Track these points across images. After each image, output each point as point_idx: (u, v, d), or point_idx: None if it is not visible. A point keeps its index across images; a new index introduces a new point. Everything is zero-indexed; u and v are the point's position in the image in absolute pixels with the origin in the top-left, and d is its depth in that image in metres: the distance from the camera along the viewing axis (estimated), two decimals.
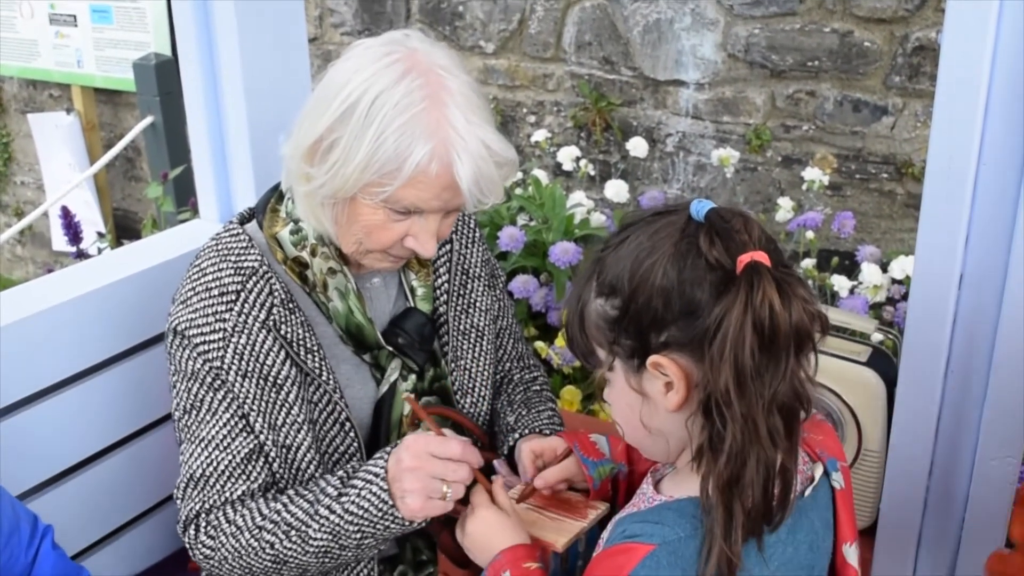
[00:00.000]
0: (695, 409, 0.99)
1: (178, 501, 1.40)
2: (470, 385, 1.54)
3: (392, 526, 1.30)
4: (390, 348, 1.45)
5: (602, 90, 3.50)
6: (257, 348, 1.36)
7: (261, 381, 1.36)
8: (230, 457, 1.36)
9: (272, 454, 1.37)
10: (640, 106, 3.45)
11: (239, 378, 1.35)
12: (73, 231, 2.94)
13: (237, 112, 1.75)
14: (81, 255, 2.92)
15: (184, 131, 2.12)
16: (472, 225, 1.61)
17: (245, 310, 1.36)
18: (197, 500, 1.37)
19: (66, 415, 1.59)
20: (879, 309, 2.38)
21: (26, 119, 4.76)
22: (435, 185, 1.27)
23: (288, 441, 1.37)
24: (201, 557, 1.38)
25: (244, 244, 1.41)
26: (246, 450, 1.36)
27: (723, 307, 0.94)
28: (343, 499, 1.30)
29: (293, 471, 1.38)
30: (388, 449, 1.32)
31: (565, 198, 2.74)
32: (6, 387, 1.50)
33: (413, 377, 1.47)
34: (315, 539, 1.31)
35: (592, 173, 3.14)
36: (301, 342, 1.38)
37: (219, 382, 1.36)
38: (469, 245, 1.58)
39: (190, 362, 1.37)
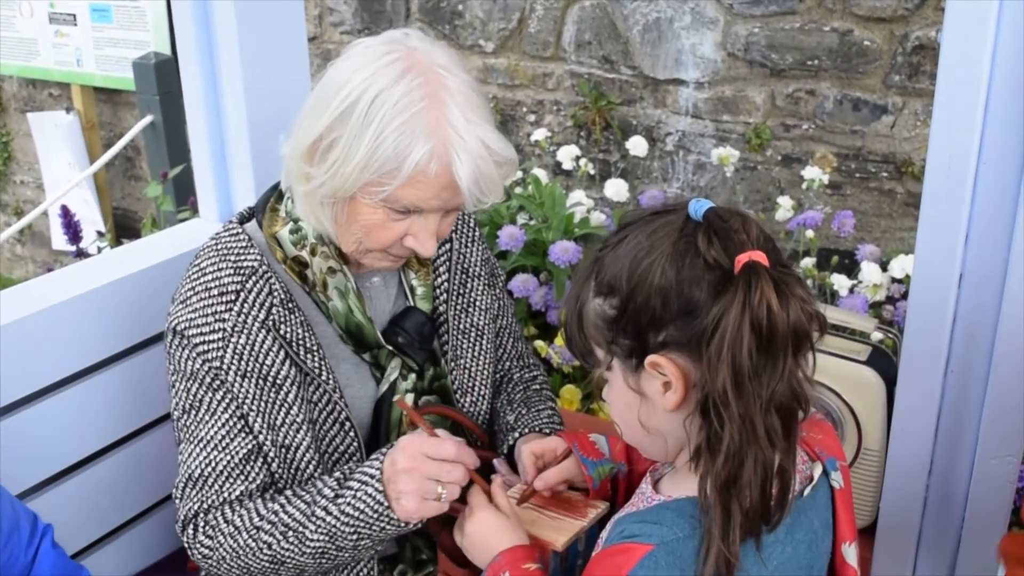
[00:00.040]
0: (693, 409, 0.99)
1: (177, 501, 1.40)
2: (470, 384, 1.54)
3: (388, 527, 1.30)
4: (390, 347, 1.45)
5: (602, 89, 3.50)
6: (256, 348, 1.36)
7: (260, 381, 1.36)
8: (228, 457, 1.36)
9: (271, 454, 1.37)
10: (640, 105, 3.45)
11: (238, 378, 1.35)
12: (73, 230, 2.93)
13: (237, 111, 1.75)
14: (81, 254, 2.91)
15: (184, 130, 2.12)
16: (472, 224, 1.61)
17: (244, 310, 1.36)
18: (195, 500, 1.37)
19: (66, 414, 1.59)
20: (879, 308, 2.37)
21: (26, 118, 4.77)
22: (434, 184, 1.27)
23: (287, 441, 1.37)
24: (199, 557, 1.38)
25: (244, 244, 1.41)
26: (244, 451, 1.36)
27: (721, 307, 0.94)
28: (339, 501, 1.30)
29: (292, 471, 1.38)
30: (384, 450, 1.32)
31: (565, 197, 2.74)
32: (6, 386, 1.50)
33: (413, 376, 1.47)
34: (312, 540, 1.31)
35: (592, 172, 3.13)
36: (300, 342, 1.38)
37: (218, 382, 1.36)
38: (469, 244, 1.58)
39: (189, 362, 1.37)
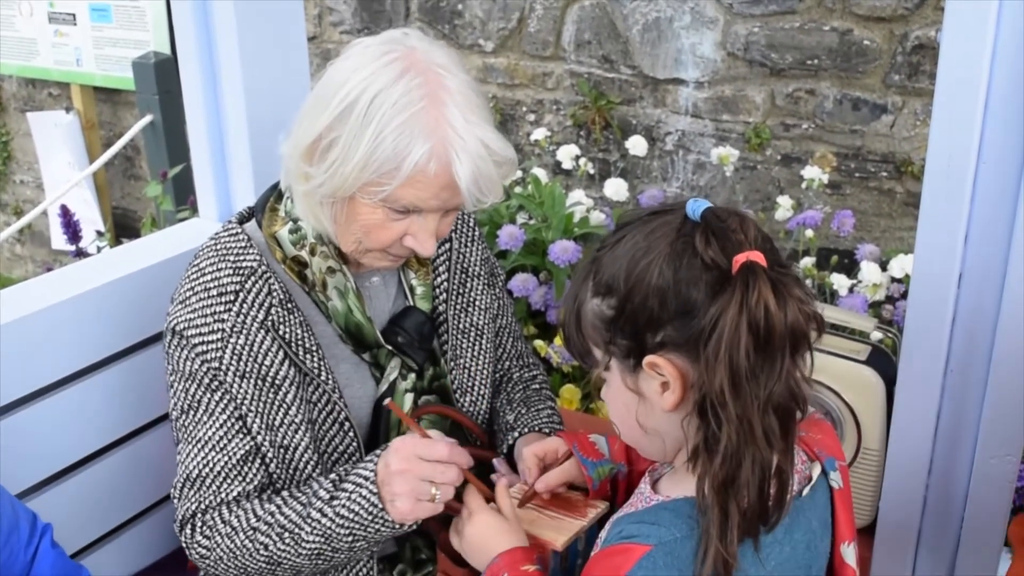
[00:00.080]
0: (691, 409, 0.98)
1: (175, 501, 1.40)
2: (469, 384, 1.54)
3: (383, 529, 1.30)
4: (389, 347, 1.45)
5: (601, 88, 3.50)
6: (255, 348, 1.35)
7: (259, 381, 1.36)
8: (226, 458, 1.36)
9: (269, 455, 1.37)
10: (639, 104, 3.45)
11: (237, 379, 1.35)
12: (72, 230, 2.93)
13: (236, 111, 1.75)
14: (80, 254, 2.91)
15: (183, 130, 2.12)
16: (471, 224, 1.61)
17: (244, 310, 1.36)
18: (193, 500, 1.37)
19: (65, 414, 1.59)
20: (878, 307, 2.37)
21: (25, 118, 4.77)
22: (434, 184, 1.27)
23: (286, 441, 1.37)
24: (197, 557, 1.38)
25: (243, 244, 1.41)
26: (242, 451, 1.36)
27: (719, 307, 0.94)
28: (334, 502, 1.30)
29: (291, 471, 1.38)
30: (378, 452, 1.33)
31: (564, 196, 2.74)
32: (5, 385, 1.50)
33: (412, 376, 1.47)
34: (308, 541, 1.31)
35: (591, 171, 3.13)
36: (300, 342, 1.38)
37: (216, 383, 1.36)
38: (468, 244, 1.58)
39: (188, 362, 1.37)
